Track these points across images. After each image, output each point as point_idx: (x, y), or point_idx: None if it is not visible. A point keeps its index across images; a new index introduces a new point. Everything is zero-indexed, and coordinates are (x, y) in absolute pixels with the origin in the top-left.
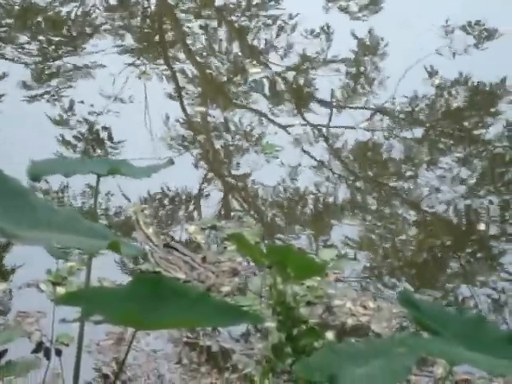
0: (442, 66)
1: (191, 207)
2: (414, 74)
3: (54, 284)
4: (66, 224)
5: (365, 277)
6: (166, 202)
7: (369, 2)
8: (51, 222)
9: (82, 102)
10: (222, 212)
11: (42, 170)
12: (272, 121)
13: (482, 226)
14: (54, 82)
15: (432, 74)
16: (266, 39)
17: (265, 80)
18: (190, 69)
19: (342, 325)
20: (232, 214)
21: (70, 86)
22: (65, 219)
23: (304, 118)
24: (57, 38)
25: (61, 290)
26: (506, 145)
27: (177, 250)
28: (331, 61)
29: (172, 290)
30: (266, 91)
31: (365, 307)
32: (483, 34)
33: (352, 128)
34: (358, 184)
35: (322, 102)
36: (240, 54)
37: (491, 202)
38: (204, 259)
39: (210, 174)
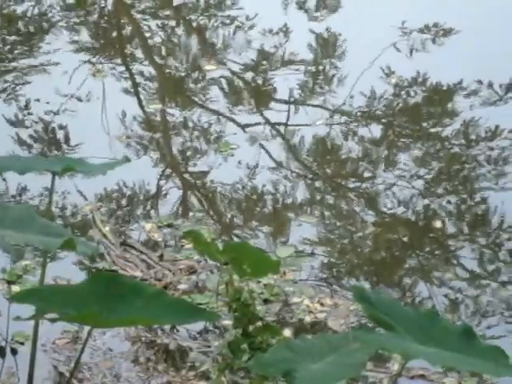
0: (399, 66)
1: (149, 206)
2: (372, 73)
3: (9, 282)
4: (20, 222)
5: (323, 278)
6: (123, 201)
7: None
8: (4, 220)
9: (38, 100)
10: (180, 211)
11: None
12: (230, 119)
13: (437, 224)
14: (9, 78)
15: (389, 73)
16: (224, 38)
17: (223, 79)
18: (148, 68)
19: (299, 322)
20: (190, 213)
21: (27, 82)
22: (19, 217)
23: (263, 117)
24: (12, 38)
25: (16, 288)
26: (462, 143)
27: (134, 248)
28: (290, 61)
29: (128, 287)
30: (225, 90)
31: (322, 304)
32: (440, 34)
33: (308, 126)
34: (316, 183)
35: (280, 101)
36: (198, 52)
37: (449, 202)
38: (161, 257)
39: (169, 173)
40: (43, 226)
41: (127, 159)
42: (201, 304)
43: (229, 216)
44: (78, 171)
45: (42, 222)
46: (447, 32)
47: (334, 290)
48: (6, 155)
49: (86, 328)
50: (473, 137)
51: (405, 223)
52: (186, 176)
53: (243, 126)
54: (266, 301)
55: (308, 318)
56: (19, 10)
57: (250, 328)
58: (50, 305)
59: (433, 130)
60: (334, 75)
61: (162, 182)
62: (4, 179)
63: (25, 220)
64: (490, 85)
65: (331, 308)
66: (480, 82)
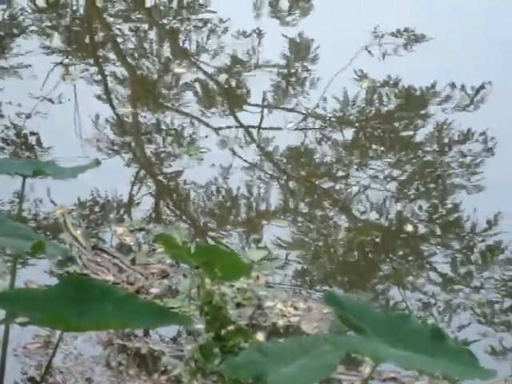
0: (371, 70)
1: (122, 211)
2: (344, 77)
3: None
4: None
5: (296, 285)
6: (96, 208)
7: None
8: None
9: (10, 102)
10: (153, 215)
11: None
12: (203, 122)
13: (409, 228)
14: None
15: (361, 76)
16: (196, 41)
17: (196, 82)
18: (121, 70)
19: (272, 326)
20: (163, 217)
21: None
22: None
23: (236, 119)
24: None
25: None
26: (435, 149)
27: (105, 252)
28: (263, 64)
29: (98, 291)
30: (198, 93)
31: (295, 308)
32: (412, 38)
33: (280, 129)
34: (289, 185)
35: (253, 104)
36: (171, 56)
37: (420, 208)
38: (133, 261)
39: (141, 177)
40: (13, 228)
41: (98, 162)
42: (173, 308)
43: (202, 219)
44: (49, 174)
45: (12, 225)
46: (419, 38)
47: (307, 293)
48: None
49: (58, 332)
50: (445, 140)
51: (378, 227)
52: (160, 178)
53: (216, 129)
54: (238, 305)
55: (281, 322)
56: None
57: (222, 332)
58: (20, 308)
59: (405, 134)
60: (306, 78)
61: (135, 184)
62: None
63: None
64: (462, 87)
65: (304, 312)
66: (453, 85)
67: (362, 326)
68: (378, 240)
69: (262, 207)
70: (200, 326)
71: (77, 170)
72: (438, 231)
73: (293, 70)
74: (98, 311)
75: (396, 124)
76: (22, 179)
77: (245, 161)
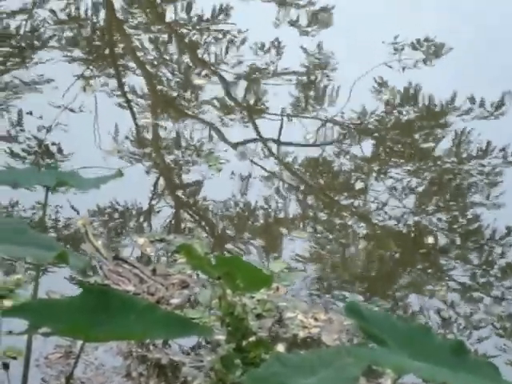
0: (391, 81)
1: (141, 220)
2: (363, 88)
3: (1, 297)
4: (12, 235)
5: (315, 293)
6: (115, 215)
7: (319, 15)
8: None
9: (31, 113)
10: (173, 225)
11: None
12: (222, 137)
13: (428, 238)
14: (1, 95)
15: (381, 86)
16: (216, 53)
17: (216, 93)
18: (140, 80)
19: (293, 337)
20: (182, 226)
21: (19, 97)
22: (11, 230)
23: (256, 129)
24: (5, 49)
25: (7, 302)
26: (453, 160)
27: (126, 262)
28: (282, 73)
29: (120, 301)
30: (217, 104)
31: (316, 319)
32: (431, 50)
33: (302, 146)
34: (308, 197)
35: (272, 115)
36: (191, 66)
37: (439, 220)
38: (154, 272)
39: (161, 187)
40: (36, 239)
41: (120, 173)
42: (193, 318)
43: (221, 229)
44: (72, 185)
45: (35, 236)
46: (439, 48)
47: (327, 304)
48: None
49: (79, 343)
50: (464, 155)
51: (396, 237)
52: (179, 187)
53: (234, 145)
54: (258, 316)
55: (302, 333)
56: (13, 23)
57: (244, 343)
58: (42, 319)
59: (425, 146)
60: (325, 88)
61: (155, 196)
62: None
63: (17, 233)
64: (482, 101)
65: (325, 323)
66: (472, 98)
67: (384, 338)
68: (396, 251)
69: (281, 218)
70: (220, 337)
71: (100, 180)
72: (458, 241)
73: (312, 84)
74: (119, 322)
75: (416, 135)
76: (44, 189)
77: (264, 169)
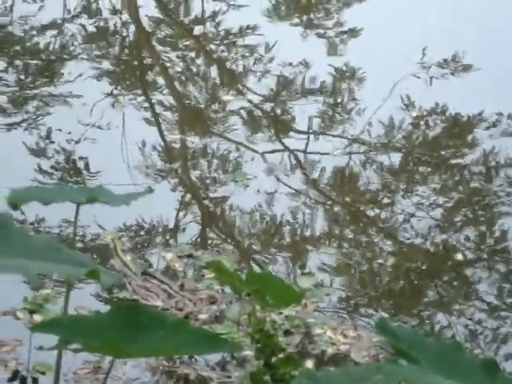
0: (418, 97)
1: (168, 235)
2: (390, 103)
3: (31, 312)
4: (44, 252)
5: (341, 308)
6: (143, 233)
7: (346, 32)
8: (29, 250)
9: (60, 130)
10: (199, 240)
11: (22, 198)
12: (249, 148)
13: (459, 256)
14: (31, 109)
15: (409, 104)
16: (244, 66)
17: (242, 110)
18: (167, 97)
19: (321, 353)
20: (209, 241)
21: (48, 113)
22: (43, 247)
23: (282, 144)
24: (34, 63)
25: (37, 317)
26: (481, 178)
27: (155, 277)
28: (309, 90)
29: (150, 318)
30: (244, 120)
31: (345, 336)
32: (459, 69)
33: (327, 154)
34: (334, 212)
35: (299, 131)
36: (218, 83)
37: (467, 238)
38: (182, 287)
39: (187, 202)
40: (67, 255)
41: (150, 190)
42: (221, 334)
43: (247, 244)
44: (103, 201)
45: (67, 252)
46: (466, 67)
47: (351, 318)
48: (29, 186)
49: (108, 358)
50: (492, 167)
51: (423, 253)
52: (205, 203)
53: (262, 154)
54: (286, 332)
55: (330, 350)
56: (42, 41)
57: (273, 359)
58: (73, 335)
59: (453, 162)
60: (352, 105)
61: (182, 209)
62: (22, 212)
63: (49, 250)
64: (510, 116)
65: (354, 340)
66: (500, 113)
67: (415, 355)
68: (424, 266)
69: (308, 233)
70: (247, 353)
71: (130, 197)
72: (485, 257)
73: (339, 97)
74: (149, 338)
75: (442, 151)
76: (75, 206)
77: (289, 187)
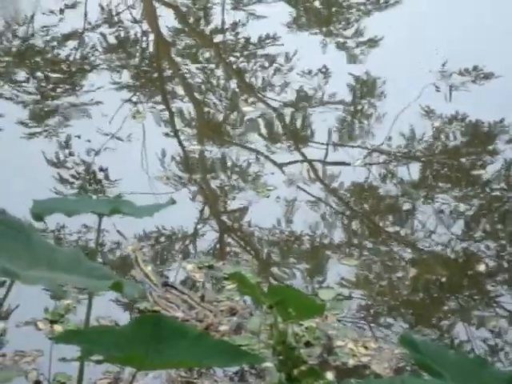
0: (438, 106)
1: (187, 244)
2: (410, 112)
3: (52, 322)
4: (68, 264)
5: (361, 318)
6: (161, 239)
7: (366, 40)
8: (53, 262)
9: (79, 136)
10: (218, 251)
11: (45, 209)
12: (268, 158)
13: (481, 267)
14: (51, 121)
15: (428, 113)
16: (263, 78)
17: (261, 119)
18: (188, 107)
19: (342, 365)
20: (228, 251)
21: (68, 125)
22: (67, 259)
23: (302, 154)
24: (55, 75)
25: (58, 328)
26: (503, 187)
27: (175, 288)
28: (328, 101)
29: (172, 330)
30: (263, 129)
31: (366, 348)
32: (480, 77)
33: (347, 165)
34: (354, 222)
35: (318, 142)
36: (238, 93)
37: (488, 248)
38: (202, 298)
39: (207, 212)
40: (90, 268)
41: (173, 201)
42: (241, 346)
43: (267, 256)
44: (126, 213)
45: (90, 265)
46: (488, 76)
47: (374, 331)
48: (53, 197)
49: (128, 369)
50: None
51: (444, 263)
52: (224, 214)
53: (281, 165)
54: (307, 344)
55: (351, 361)
56: (62, 53)
57: (295, 372)
58: (95, 346)
59: (474, 173)
60: (372, 114)
61: (200, 221)
62: (44, 221)
63: (72, 262)
64: None
65: (375, 351)
66: None
67: (439, 370)
68: (443, 277)
69: (327, 244)
70: (265, 364)
71: (153, 208)
72: (506, 267)
73: (359, 107)
74: (172, 350)
75: (463, 160)
76: (97, 217)
77: (310, 194)
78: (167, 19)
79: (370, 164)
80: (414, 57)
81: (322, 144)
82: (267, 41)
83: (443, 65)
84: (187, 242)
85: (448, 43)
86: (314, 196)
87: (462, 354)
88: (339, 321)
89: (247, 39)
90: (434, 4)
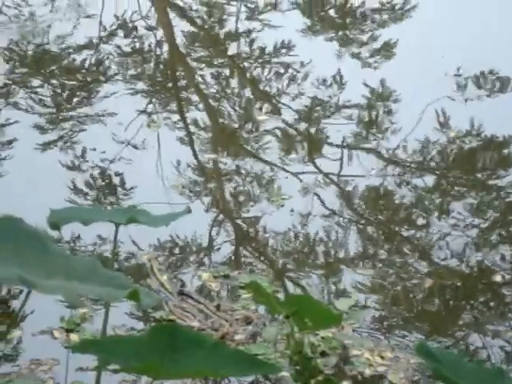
0: (453, 114)
1: (201, 253)
2: (425, 121)
3: (68, 331)
4: (85, 273)
5: (375, 328)
6: (176, 248)
7: (381, 47)
8: (70, 271)
9: (94, 149)
10: (233, 260)
11: (61, 218)
12: (283, 169)
13: (497, 278)
14: (66, 126)
15: (444, 123)
16: (277, 87)
17: (276, 129)
18: (202, 115)
19: (359, 375)
20: (242, 260)
21: (83, 130)
22: (84, 268)
23: (316, 166)
24: (70, 83)
25: (74, 337)
26: None
27: (191, 297)
28: (343, 106)
29: (189, 339)
30: (278, 139)
31: (382, 357)
32: (496, 84)
33: (362, 176)
34: (368, 231)
35: (333, 150)
36: (252, 102)
37: (503, 258)
38: (218, 307)
39: (221, 220)
40: (107, 276)
41: (189, 210)
42: (258, 355)
43: (281, 264)
44: (142, 222)
45: (107, 274)
46: (504, 82)
47: (390, 340)
48: (69, 206)
49: (144, 378)
50: None
51: (459, 274)
52: (239, 222)
53: (296, 174)
54: (323, 353)
55: (368, 371)
56: (78, 58)
57: (312, 381)
58: (112, 356)
59: (490, 182)
60: (387, 124)
61: (215, 229)
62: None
63: (89, 271)
64: None
65: (392, 361)
66: None
67: (456, 380)
68: (459, 286)
69: (342, 253)
70: (283, 374)
71: (169, 217)
72: None
73: (373, 116)
74: (189, 359)
75: (478, 171)
76: (113, 227)
77: (324, 205)
78: (183, 27)
79: (385, 175)
80: (429, 67)
81: (337, 158)
82: (282, 51)
83: (459, 75)
84: (202, 250)
85: (464, 53)
86: (327, 208)
87: (478, 363)
88: (354, 331)
89: (262, 49)
90: (441, 11)
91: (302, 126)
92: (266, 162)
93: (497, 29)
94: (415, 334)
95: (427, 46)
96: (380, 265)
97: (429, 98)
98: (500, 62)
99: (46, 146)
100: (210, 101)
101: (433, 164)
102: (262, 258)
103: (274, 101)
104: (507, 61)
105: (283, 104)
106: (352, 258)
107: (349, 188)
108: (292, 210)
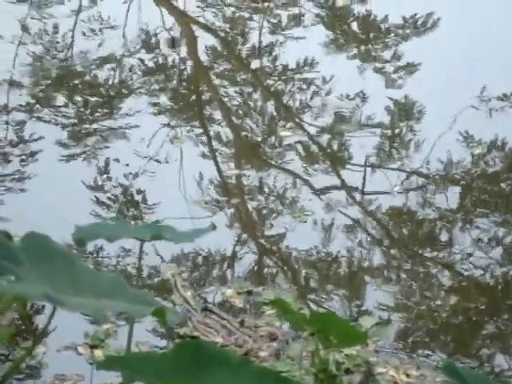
0: (477, 131)
1: (224, 267)
2: (448, 137)
3: (92, 347)
4: (111, 289)
5: (399, 347)
6: (200, 264)
7: (405, 65)
8: (96, 287)
9: (118, 160)
10: (256, 276)
11: (87, 235)
12: (305, 182)
13: None
14: (89, 142)
15: (468, 139)
16: (300, 101)
17: (299, 144)
18: (225, 131)
19: None
20: (265, 277)
21: (106, 147)
22: (109, 284)
23: (339, 177)
24: (93, 99)
25: (98, 352)
26: None
27: (215, 313)
28: (366, 124)
29: (214, 356)
30: (301, 154)
31: (408, 375)
32: None
33: (387, 193)
34: (392, 250)
35: (356, 166)
36: (275, 118)
37: None
38: (242, 323)
39: (245, 236)
40: (133, 294)
41: (214, 227)
42: (282, 372)
43: (304, 280)
44: (168, 239)
45: (132, 291)
46: None
47: (415, 358)
48: (94, 222)
49: None
50: None
51: (483, 289)
52: (262, 241)
53: (318, 192)
54: (347, 371)
55: None
56: (100, 74)
57: None
58: (137, 373)
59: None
60: (410, 139)
61: (239, 245)
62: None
63: (115, 287)
64: None
65: (417, 379)
66: None
67: None
68: (483, 304)
69: (365, 268)
70: None
71: (194, 233)
72: None
73: (397, 131)
74: (214, 377)
75: (503, 185)
76: (139, 243)
77: (349, 217)
78: (206, 42)
79: (409, 190)
80: (453, 81)
81: (360, 170)
82: (305, 68)
83: (483, 90)
84: (225, 266)
85: (488, 67)
86: (350, 218)
87: None
88: (376, 351)
89: (285, 66)
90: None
91: (325, 140)
92: (289, 171)
93: (497, 29)
94: (440, 353)
95: (453, 61)
96: (404, 281)
97: (453, 113)
98: (500, 62)
99: (69, 158)
100: (233, 117)
101: (457, 176)
102: (287, 274)
103: (297, 117)
104: (507, 60)
105: (305, 122)
106: (376, 274)
107: (372, 207)
108: (315, 223)
